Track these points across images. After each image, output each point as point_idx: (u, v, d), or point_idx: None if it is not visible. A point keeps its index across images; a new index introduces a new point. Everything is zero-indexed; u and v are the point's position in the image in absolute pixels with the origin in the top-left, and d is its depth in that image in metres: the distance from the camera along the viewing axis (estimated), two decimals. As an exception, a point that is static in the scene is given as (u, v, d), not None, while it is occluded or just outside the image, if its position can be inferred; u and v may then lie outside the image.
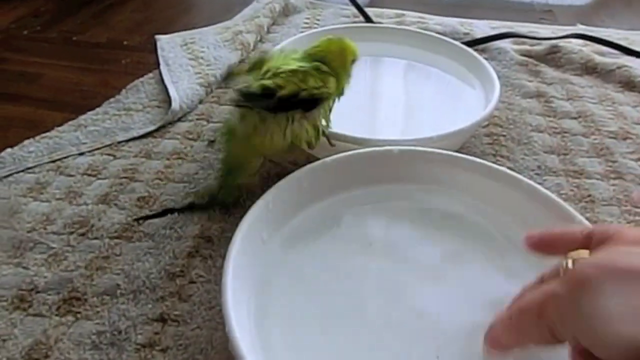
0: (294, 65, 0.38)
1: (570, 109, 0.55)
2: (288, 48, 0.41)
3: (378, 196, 0.40)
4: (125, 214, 0.42)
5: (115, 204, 0.43)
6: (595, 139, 0.50)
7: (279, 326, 0.31)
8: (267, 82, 0.37)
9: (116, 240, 0.39)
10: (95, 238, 0.40)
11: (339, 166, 0.40)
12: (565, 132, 0.52)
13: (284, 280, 0.34)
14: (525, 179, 0.38)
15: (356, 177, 0.40)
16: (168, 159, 0.48)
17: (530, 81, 0.60)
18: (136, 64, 0.67)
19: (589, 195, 0.44)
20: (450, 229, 0.38)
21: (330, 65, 0.39)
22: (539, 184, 0.44)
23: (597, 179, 0.46)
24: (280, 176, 0.45)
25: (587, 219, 0.41)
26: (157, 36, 0.71)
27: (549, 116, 0.54)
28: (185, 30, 0.74)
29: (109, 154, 0.49)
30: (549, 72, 0.62)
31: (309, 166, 0.39)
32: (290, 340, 0.30)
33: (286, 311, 0.32)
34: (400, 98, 0.56)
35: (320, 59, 0.39)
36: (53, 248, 0.39)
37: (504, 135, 0.51)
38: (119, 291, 0.35)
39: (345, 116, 0.43)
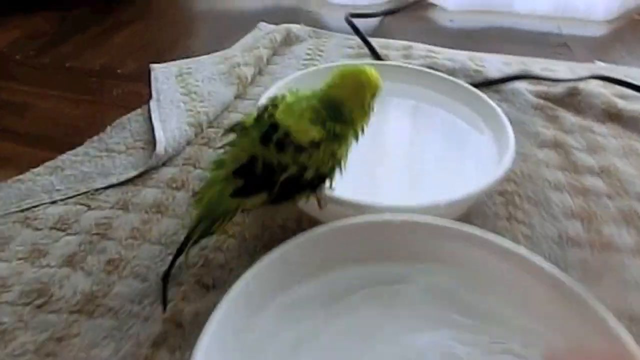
0: (306, 131, 0.33)
1: (592, 163, 0.50)
2: (295, 88, 0.36)
3: (375, 276, 0.35)
4: (91, 280, 0.38)
5: (82, 267, 0.39)
6: (622, 202, 0.45)
7: None
8: (269, 156, 0.33)
9: (75, 316, 0.35)
10: (53, 311, 0.35)
11: (331, 239, 0.35)
12: (588, 192, 0.47)
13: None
14: (548, 267, 0.32)
15: (350, 253, 0.35)
16: (147, 212, 0.44)
17: (547, 128, 0.55)
18: (127, 95, 0.63)
19: (621, 278, 0.38)
20: (460, 323, 0.33)
21: (347, 108, 0.35)
22: (562, 258, 0.40)
23: (628, 253, 0.40)
24: (265, 242, 0.41)
25: (618, 310, 0.36)
26: (152, 65, 0.67)
27: (569, 171, 0.49)
28: (184, 56, 0.70)
29: (83, 204, 0.45)
30: (568, 117, 0.57)
31: (295, 241, 0.34)
32: None
33: None
34: (406, 147, 0.51)
35: (335, 102, 0.34)
36: (3, 323, 0.34)
37: (519, 194, 0.46)
38: (70, 384, 0.31)
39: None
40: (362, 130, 0.36)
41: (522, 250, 0.33)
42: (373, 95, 0.36)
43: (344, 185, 0.38)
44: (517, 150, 0.51)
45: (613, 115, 0.57)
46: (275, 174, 0.33)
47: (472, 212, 0.44)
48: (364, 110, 0.36)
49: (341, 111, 0.34)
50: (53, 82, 0.66)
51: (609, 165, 0.50)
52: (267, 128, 0.33)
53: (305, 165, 0.33)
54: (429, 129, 0.53)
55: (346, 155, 0.36)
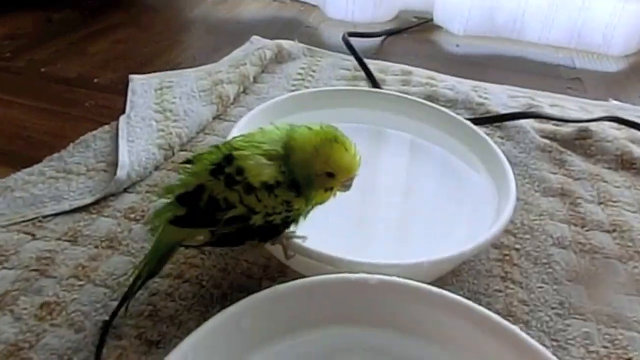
0: (259, 170, 0.29)
1: (602, 217, 0.45)
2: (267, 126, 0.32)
3: (341, 343, 0.30)
4: (17, 328, 0.32)
5: (11, 310, 0.34)
6: (635, 268, 0.40)
7: None
8: (216, 189, 0.29)
9: (-8, 372, 0.30)
10: (-33, 366, 0.30)
11: (294, 299, 0.30)
12: (596, 252, 0.41)
13: None
14: (543, 350, 0.27)
15: (315, 315, 0.30)
16: (96, 247, 0.39)
17: (553, 173, 0.50)
18: (100, 108, 0.58)
19: (627, 356, 0.33)
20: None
21: (306, 181, 0.30)
22: (562, 330, 0.35)
23: (636, 324, 0.35)
24: (223, 290, 0.36)
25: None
26: (131, 76, 0.63)
27: (576, 225, 0.44)
28: (168, 68, 0.66)
29: (27, 233, 0.40)
30: (577, 162, 0.52)
31: (250, 299, 0.29)
32: None
33: None
34: (398, 192, 0.46)
35: (298, 167, 0.30)
36: None
37: (517, 250, 0.41)
38: None
39: (322, 212, 0.33)
40: (313, 206, 0.32)
41: (511, 327, 0.28)
42: (342, 184, 0.31)
43: (323, 233, 0.33)
44: (518, 197, 0.47)
45: (627, 163, 0.52)
46: (220, 211, 0.29)
47: (463, 268, 0.39)
48: (325, 193, 0.31)
49: (299, 181, 0.30)
50: (25, 89, 0.61)
51: (622, 222, 0.44)
52: (222, 158, 0.30)
53: (252, 208, 0.29)
54: (424, 171, 0.48)
55: (307, 210, 0.32)
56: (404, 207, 0.44)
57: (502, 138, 0.55)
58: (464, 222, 0.42)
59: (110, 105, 0.58)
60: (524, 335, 0.28)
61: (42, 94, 0.60)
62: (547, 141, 0.54)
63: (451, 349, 0.30)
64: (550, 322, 0.35)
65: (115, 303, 0.34)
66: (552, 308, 0.36)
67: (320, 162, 0.29)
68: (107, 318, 0.33)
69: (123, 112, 0.55)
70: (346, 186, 0.31)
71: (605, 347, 0.34)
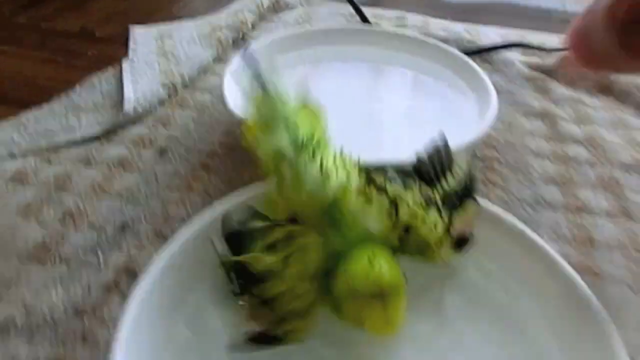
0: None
1: (578, 132, 0.48)
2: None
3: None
4: (45, 231, 0.36)
5: (37, 219, 0.37)
6: (603, 170, 0.43)
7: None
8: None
9: (26, 264, 0.33)
10: (4, 259, 0.34)
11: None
12: (570, 160, 0.45)
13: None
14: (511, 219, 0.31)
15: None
16: (109, 168, 0.42)
17: (536, 99, 0.53)
18: (103, 57, 0.61)
19: (589, 238, 0.37)
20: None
21: None
22: (535, 220, 0.38)
23: (601, 216, 0.39)
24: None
25: (583, 265, 0.34)
26: (131, 27, 0.65)
27: (554, 140, 0.47)
28: (168, 21, 0.68)
29: (43, 159, 0.43)
30: (559, 89, 0.55)
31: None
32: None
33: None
34: (382, 110, 0.49)
35: None
36: (-51, 269, 0.33)
37: (498, 160, 0.44)
38: (13, 329, 0.29)
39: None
40: None
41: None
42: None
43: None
44: (503, 120, 0.50)
45: (605, 88, 0.55)
46: None
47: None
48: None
49: None
50: (25, 42, 0.64)
51: (596, 135, 0.48)
52: None
53: None
54: (415, 96, 0.51)
55: None
56: (387, 125, 0.47)
57: (490, 71, 0.58)
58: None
59: (112, 55, 0.61)
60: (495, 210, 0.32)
61: (44, 47, 0.63)
62: (532, 72, 0.57)
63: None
64: (525, 214, 0.39)
65: (132, 209, 0.38)
66: (528, 204, 0.40)
67: None
68: (124, 220, 0.37)
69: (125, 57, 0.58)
70: None
71: (571, 231, 0.37)
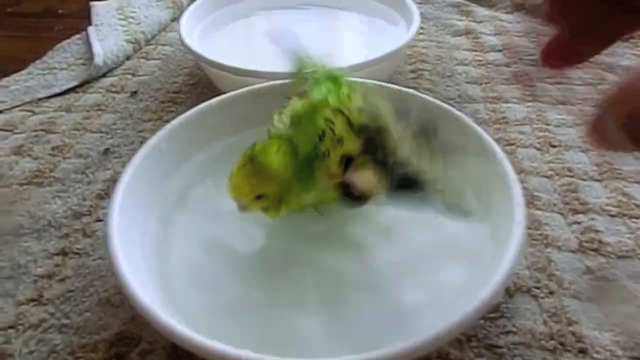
0: None
1: (496, 42, 0.55)
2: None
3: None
4: (37, 162, 0.42)
5: (29, 155, 0.43)
6: (516, 68, 0.51)
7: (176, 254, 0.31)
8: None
9: (25, 187, 0.39)
10: (4, 186, 0.39)
11: (244, 102, 0.39)
12: (489, 64, 0.52)
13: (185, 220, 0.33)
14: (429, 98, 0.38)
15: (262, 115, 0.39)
16: (88, 111, 0.48)
17: (460, 20, 0.60)
18: (69, 30, 0.65)
19: (504, 117, 0.44)
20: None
21: None
22: (459, 110, 0.45)
23: (514, 102, 0.46)
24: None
25: (498, 138, 0.41)
26: (92, 2, 0.70)
27: (476, 50, 0.54)
28: None
29: (27, 111, 0.48)
30: (480, 11, 0.62)
31: (207, 103, 0.38)
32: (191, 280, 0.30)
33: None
34: (320, 35, 0.55)
35: None
36: (-42, 196, 0.38)
37: (429, 70, 0.51)
38: (22, 231, 0.35)
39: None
40: None
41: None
42: None
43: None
44: (432, 39, 0.57)
45: (519, 6, 0.62)
46: None
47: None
48: None
49: None
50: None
51: (510, 42, 0.55)
52: None
53: None
54: (347, 24, 0.57)
55: None
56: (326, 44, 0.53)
57: (420, 3, 0.64)
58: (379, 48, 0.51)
59: (77, 28, 0.65)
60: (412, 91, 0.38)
61: (12, 26, 0.67)
62: (457, -1, 0.64)
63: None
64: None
65: (112, 139, 0.43)
66: (452, 99, 0.47)
67: None
68: (107, 147, 0.43)
69: (89, 29, 0.63)
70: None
71: (488, 114, 0.44)
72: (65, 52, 0.57)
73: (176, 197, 0.34)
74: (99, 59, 0.53)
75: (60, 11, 0.71)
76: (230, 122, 0.38)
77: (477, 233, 0.30)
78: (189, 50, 0.46)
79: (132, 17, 0.62)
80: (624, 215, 0.34)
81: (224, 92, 0.48)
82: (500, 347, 0.27)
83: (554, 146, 0.41)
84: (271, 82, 0.39)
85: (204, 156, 0.37)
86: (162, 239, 0.32)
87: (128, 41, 0.57)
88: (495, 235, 0.29)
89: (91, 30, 0.59)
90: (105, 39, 0.57)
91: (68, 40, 0.59)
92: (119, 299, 0.30)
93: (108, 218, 0.28)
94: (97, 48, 0.54)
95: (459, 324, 0.22)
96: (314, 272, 0.30)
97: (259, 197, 0.28)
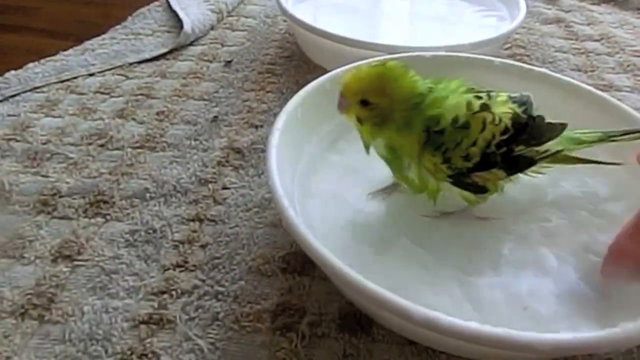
0: None
1: (591, 32, 0.55)
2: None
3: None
4: (145, 127, 0.40)
5: (133, 119, 0.41)
6: (620, 57, 0.50)
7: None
8: None
9: (139, 150, 0.37)
10: (116, 149, 0.38)
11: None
12: (590, 53, 0.51)
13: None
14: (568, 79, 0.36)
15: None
16: (184, 78, 0.46)
17: (548, 9, 0.59)
18: (139, -2, 0.64)
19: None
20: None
21: None
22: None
23: (627, 91, 0.45)
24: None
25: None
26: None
27: (571, 39, 0.54)
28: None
29: (120, 74, 0.46)
30: (566, 0, 0.61)
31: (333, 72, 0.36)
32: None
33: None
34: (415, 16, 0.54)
35: None
36: (72, 158, 0.36)
37: (528, 56, 0.50)
38: (148, 194, 0.34)
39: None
40: None
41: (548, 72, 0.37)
42: None
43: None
44: (522, 26, 0.55)
45: (608, -2, 0.61)
46: None
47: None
48: None
49: None
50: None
51: (607, 32, 0.54)
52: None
53: None
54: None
55: None
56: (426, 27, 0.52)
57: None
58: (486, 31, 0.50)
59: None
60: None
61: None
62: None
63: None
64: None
65: (216, 106, 0.42)
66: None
67: None
68: (215, 115, 0.41)
69: (160, -2, 0.61)
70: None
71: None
72: (147, 19, 0.55)
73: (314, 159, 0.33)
74: (187, 27, 0.51)
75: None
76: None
77: None
78: (292, 19, 0.45)
79: (209, -13, 0.60)
80: None
81: (320, 65, 0.47)
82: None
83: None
84: (405, 54, 0.38)
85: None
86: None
87: (212, 11, 0.55)
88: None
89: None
90: (188, 7, 0.55)
91: (147, 7, 0.57)
92: (269, 269, 0.29)
93: (273, 185, 0.26)
94: (184, 16, 0.52)
95: None
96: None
97: (364, 103, 0.27)
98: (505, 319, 0.25)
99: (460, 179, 0.28)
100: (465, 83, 0.29)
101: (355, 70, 0.28)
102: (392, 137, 0.28)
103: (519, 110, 0.28)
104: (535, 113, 0.29)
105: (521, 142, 0.28)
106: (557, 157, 0.29)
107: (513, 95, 0.29)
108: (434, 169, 0.27)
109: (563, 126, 0.29)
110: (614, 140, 0.30)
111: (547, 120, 0.29)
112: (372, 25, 0.53)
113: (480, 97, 0.28)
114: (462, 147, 0.27)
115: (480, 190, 0.28)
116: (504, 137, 0.27)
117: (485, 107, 0.27)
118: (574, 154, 0.30)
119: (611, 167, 0.30)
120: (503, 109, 0.28)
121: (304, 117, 0.33)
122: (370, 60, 0.34)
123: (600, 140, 0.30)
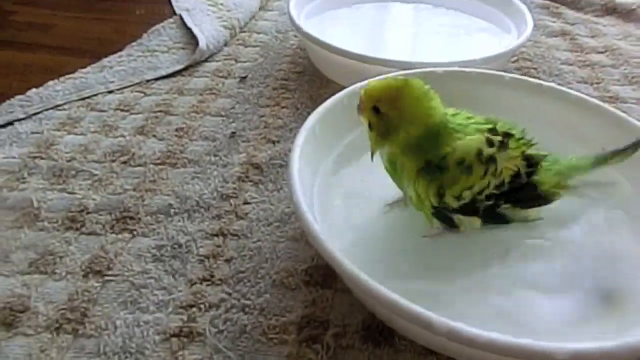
0: None
1: (596, 45, 0.56)
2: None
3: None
4: (165, 143, 0.41)
5: (154, 135, 0.42)
6: (625, 69, 0.51)
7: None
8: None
9: (161, 167, 0.39)
10: (139, 165, 0.39)
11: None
12: (595, 65, 0.52)
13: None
14: (575, 93, 0.38)
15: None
16: (201, 95, 0.47)
17: (553, 22, 0.61)
18: (151, 14, 0.65)
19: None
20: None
21: None
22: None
23: (634, 103, 0.46)
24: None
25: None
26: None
27: (577, 52, 0.55)
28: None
29: (139, 92, 0.48)
30: (571, 13, 0.62)
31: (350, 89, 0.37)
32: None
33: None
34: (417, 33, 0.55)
35: None
36: (96, 175, 0.38)
37: (535, 69, 0.51)
38: (172, 210, 0.35)
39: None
40: None
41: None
42: None
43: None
44: (528, 39, 0.56)
45: (610, 10, 0.63)
46: None
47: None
48: None
49: None
50: (72, 6, 0.67)
51: (612, 45, 0.55)
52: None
53: None
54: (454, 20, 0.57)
55: None
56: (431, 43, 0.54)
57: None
58: (493, 46, 0.51)
59: (159, 12, 0.65)
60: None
61: (93, 9, 0.66)
62: (544, 1, 0.64)
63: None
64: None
65: (234, 123, 0.43)
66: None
67: None
68: (233, 131, 0.42)
69: (173, 15, 0.62)
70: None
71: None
72: (162, 36, 0.56)
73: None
74: (203, 44, 0.52)
75: (138, -5, 0.71)
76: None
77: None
78: (307, 37, 0.46)
79: (221, 4, 0.62)
80: None
81: (333, 80, 0.48)
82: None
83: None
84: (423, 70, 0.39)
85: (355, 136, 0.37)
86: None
87: (225, 27, 0.56)
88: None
89: (185, 15, 0.59)
90: (202, 24, 0.57)
91: (162, 24, 0.58)
92: (293, 282, 0.30)
93: (296, 202, 0.27)
94: (199, 33, 0.54)
95: None
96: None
97: (375, 110, 0.28)
98: (525, 329, 0.26)
99: (442, 213, 0.29)
100: (488, 119, 0.30)
101: (382, 79, 0.30)
102: (394, 152, 0.29)
103: (523, 171, 0.29)
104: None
105: (510, 201, 0.29)
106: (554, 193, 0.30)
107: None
108: (424, 196, 0.28)
109: (553, 199, 0.30)
110: (607, 164, 0.31)
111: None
112: (381, 40, 0.54)
113: (493, 144, 0.28)
114: (458, 188, 0.28)
115: (454, 226, 0.30)
116: (497, 192, 0.29)
117: (493, 160, 0.28)
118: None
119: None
120: (509, 164, 0.29)
121: (322, 133, 0.34)
122: (398, 73, 0.35)
123: (594, 165, 0.31)
